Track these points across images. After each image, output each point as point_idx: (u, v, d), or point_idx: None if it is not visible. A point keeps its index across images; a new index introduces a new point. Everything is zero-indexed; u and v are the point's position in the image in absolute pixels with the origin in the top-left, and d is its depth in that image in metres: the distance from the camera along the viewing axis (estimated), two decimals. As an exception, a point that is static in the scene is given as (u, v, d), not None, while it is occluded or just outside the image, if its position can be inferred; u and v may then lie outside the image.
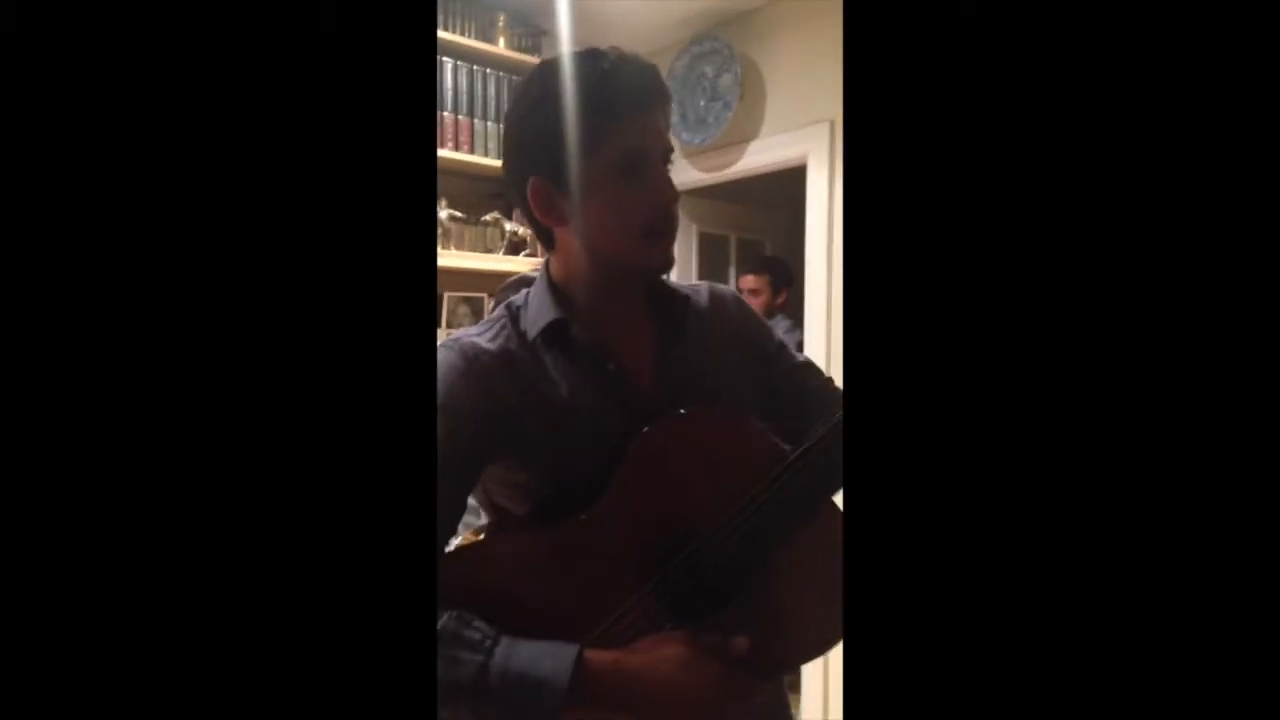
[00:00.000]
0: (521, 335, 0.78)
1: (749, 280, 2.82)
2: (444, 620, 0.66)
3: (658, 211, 0.75)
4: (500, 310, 0.81)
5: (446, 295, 2.17)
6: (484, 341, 0.77)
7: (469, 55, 2.18)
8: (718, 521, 0.73)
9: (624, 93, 0.73)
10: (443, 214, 2.16)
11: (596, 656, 0.66)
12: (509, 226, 2.29)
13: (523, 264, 2.26)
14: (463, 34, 2.19)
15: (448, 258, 2.13)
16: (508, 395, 0.75)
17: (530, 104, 0.75)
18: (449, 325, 2.17)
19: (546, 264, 0.82)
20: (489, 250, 2.30)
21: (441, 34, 2.10)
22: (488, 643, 0.65)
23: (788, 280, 2.81)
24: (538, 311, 0.79)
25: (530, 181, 0.76)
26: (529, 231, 2.29)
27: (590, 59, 0.74)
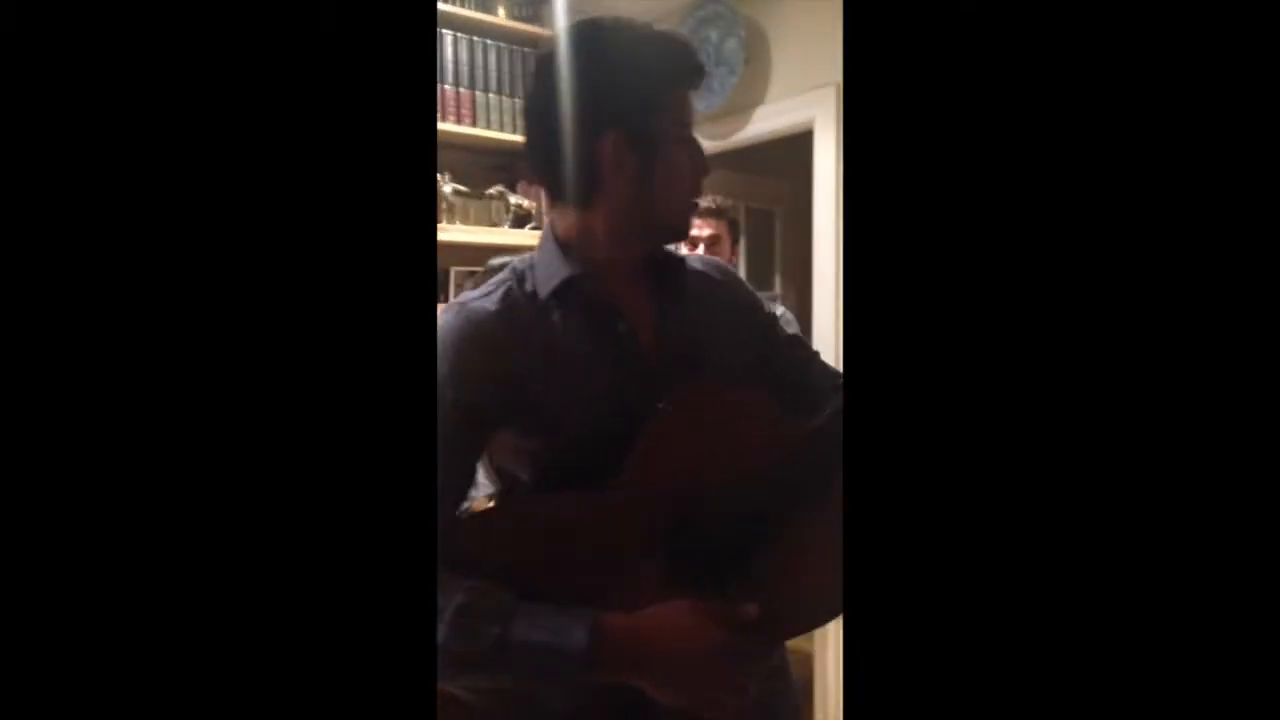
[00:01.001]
0: (530, 296, 0.77)
1: (711, 225, 2.15)
2: (461, 594, 0.66)
3: (698, 179, 0.77)
4: (505, 273, 0.80)
5: (452, 270, 2.16)
6: (489, 304, 0.76)
7: (469, 27, 2.15)
8: (729, 495, 0.73)
9: (667, 67, 0.74)
10: (446, 188, 2.14)
11: (611, 622, 0.67)
12: (513, 199, 2.27)
13: (528, 237, 2.25)
14: (462, 5, 2.16)
15: (451, 232, 2.12)
16: (514, 358, 0.74)
17: (556, 75, 0.73)
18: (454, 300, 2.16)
19: (550, 224, 0.81)
20: (493, 224, 2.28)
21: (441, 6, 2.07)
22: (505, 613, 0.66)
23: (738, 235, 2.26)
24: (548, 271, 0.78)
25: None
26: (534, 204, 2.27)
27: (623, 29, 0.73)
